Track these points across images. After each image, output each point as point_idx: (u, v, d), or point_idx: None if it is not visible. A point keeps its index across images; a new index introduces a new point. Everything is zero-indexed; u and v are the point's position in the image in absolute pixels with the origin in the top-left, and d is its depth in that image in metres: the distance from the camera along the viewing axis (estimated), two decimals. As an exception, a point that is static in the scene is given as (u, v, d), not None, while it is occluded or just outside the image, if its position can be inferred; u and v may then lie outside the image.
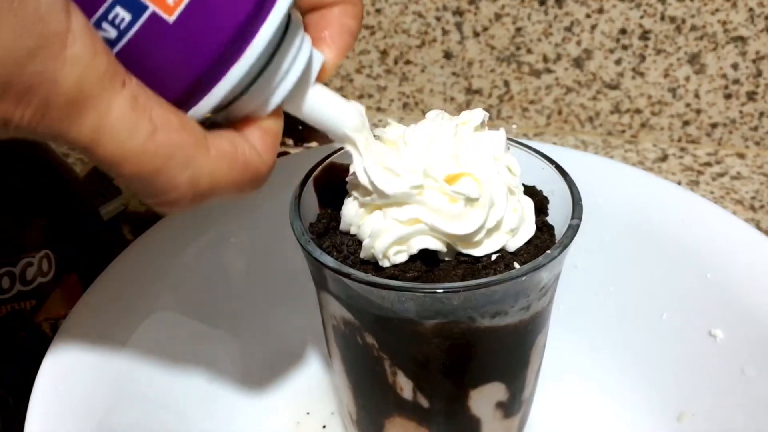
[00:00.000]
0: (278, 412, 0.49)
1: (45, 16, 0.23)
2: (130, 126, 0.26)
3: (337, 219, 0.38)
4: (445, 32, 0.77)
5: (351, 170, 0.36)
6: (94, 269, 0.48)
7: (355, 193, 0.36)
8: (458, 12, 0.75)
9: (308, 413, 0.49)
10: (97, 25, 0.26)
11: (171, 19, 0.26)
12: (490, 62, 0.78)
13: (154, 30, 0.26)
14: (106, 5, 0.26)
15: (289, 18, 0.30)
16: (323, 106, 0.33)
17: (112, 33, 0.26)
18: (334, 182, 0.40)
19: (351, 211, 0.36)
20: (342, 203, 0.38)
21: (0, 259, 0.46)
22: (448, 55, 0.78)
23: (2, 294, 0.47)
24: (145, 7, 0.26)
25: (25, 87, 0.23)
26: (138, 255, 0.48)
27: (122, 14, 0.26)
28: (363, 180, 0.34)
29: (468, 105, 0.81)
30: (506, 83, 0.79)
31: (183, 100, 0.28)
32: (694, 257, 0.47)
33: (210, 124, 0.30)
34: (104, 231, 0.60)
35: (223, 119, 0.31)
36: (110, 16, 0.26)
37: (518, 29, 0.75)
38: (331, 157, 0.41)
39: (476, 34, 0.76)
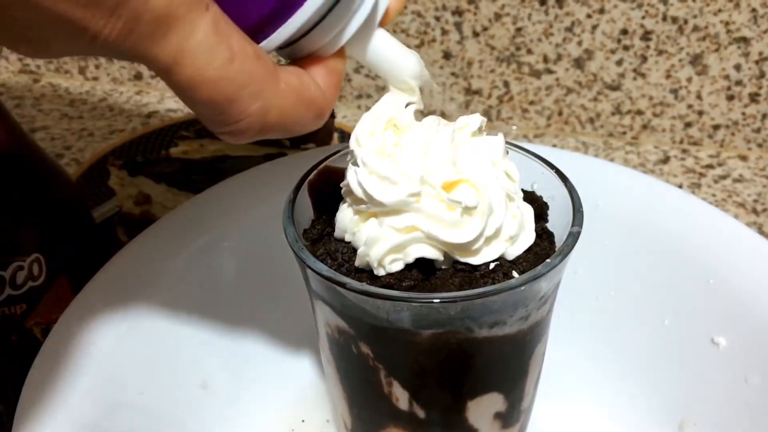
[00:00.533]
0: (272, 419, 0.48)
1: None
2: (211, 50, 0.26)
3: (332, 225, 0.37)
4: (444, 32, 0.76)
5: (346, 174, 0.36)
6: (86, 272, 0.48)
7: (349, 200, 0.35)
8: (458, 12, 0.75)
9: (303, 421, 0.49)
10: None
11: None
12: (490, 62, 0.77)
13: None
14: None
15: None
16: (385, 50, 0.34)
17: None
18: (329, 186, 0.39)
19: (346, 218, 0.35)
20: (337, 208, 0.37)
21: (-11, 262, 0.46)
22: (447, 55, 0.77)
23: (-8, 298, 0.46)
24: None
25: (117, 1, 0.24)
26: (130, 258, 0.48)
27: None
28: (357, 192, 0.34)
29: (467, 106, 0.80)
30: (506, 84, 0.78)
31: (256, 31, 0.28)
32: (696, 262, 0.47)
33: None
34: (97, 233, 0.59)
35: (287, 56, 0.31)
36: None
37: (518, 29, 0.74)
38: (327, 161, 0.41)
39: (476, 34, 0.76)
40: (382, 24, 0.33)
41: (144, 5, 0.24)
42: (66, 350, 0.42)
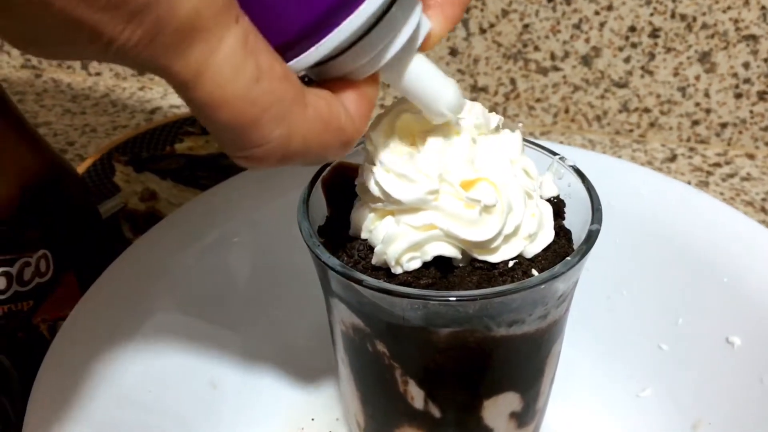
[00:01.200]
0: (282, 417, 0.48)
1: None
2: (236, 67, 0.24)
3: (347, 222, 0.37)
4: (451, 28, 0.76)
5: (360, 171, 0.35)
6: (92, 269, 0.47)
7: (364, 198, 0.35)
8: (465, 8, 0.74)
9: (313, 419, 0.48)
10: None
11: None
12: (497, 59, 0.77)
13: None
14: None
15: None
16: (423, 78, 0.31)
17: None
18: (343, 183, 0.38)
19: (361, 216, 0.35)
20: (352, 205, 0.37)
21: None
22: (453, 52, 0.77)
23: (-1, 295, 0.46)
24: None
25: (139, 6, 0.21)
26: (138, 255, 0.47)
27: None
28: (374, 190, 0.33)
29: (473, 103, 0.80)
30: (512, 81, 0.78)
31: (287, 48, 0.26)
32: (711, 261, 0.46)
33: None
34: (103, 230, 0.58)
35: (316, 76, 0.29)
36: None
37: (525, 26, 0.74)
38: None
39: (483, 31, 0.75)
40: (422, 49, 0.30)
41: (169, 13, 0.22)
42: (75, 348, 0.41)
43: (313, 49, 0.26)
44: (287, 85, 0.25)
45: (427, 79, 0.31)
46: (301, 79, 0.26)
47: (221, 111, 0.24)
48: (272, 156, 0.26)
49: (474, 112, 0.34)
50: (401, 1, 0.28)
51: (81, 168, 0.72)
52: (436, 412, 0.37)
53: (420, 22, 0.29)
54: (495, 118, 0.35)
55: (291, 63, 0.26)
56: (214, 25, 0.23)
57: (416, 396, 0.37)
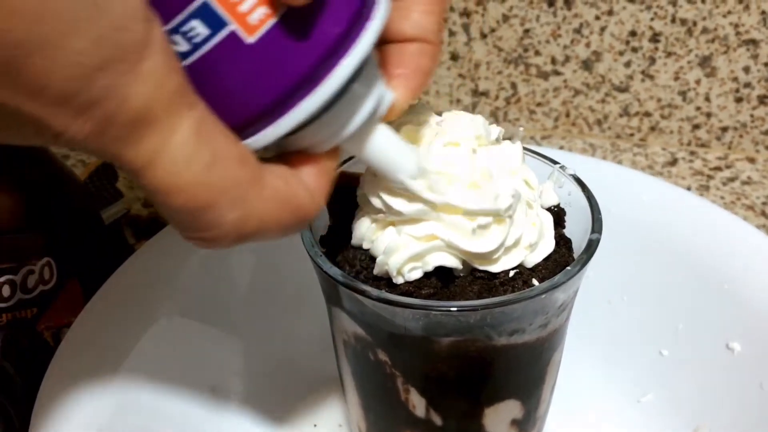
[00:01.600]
0: (284, 424, 0.48)
1: (126, 25, 0.21)
2: (190, 155, 0.23)
3: (349, 231, 0.37)
4: (451, 33, 0.76)
5: (361, 181, 0.35)
6: (96, 275, 0.47)
7: (366, 208, 0.35)
8: (465, 13, 0.74)
9: (315, 425, 0.48)
10: (169, 35, 0.23)
11: (250, 40, 0.23)
12: (498, 64, 0.77)
13: (229, 49, 0.24)
14: (183, 16, 0.23)
15: None
16: (384, 149, 0.30)
17: (183, 47, 0.23)
18: (345, 192, 0.39)
19: (363, 226, 0.35)
20: (354, 214, 0.37)
21: (1, 266, 0.45)
22: (454, 57, 0.77)
23: (3, 302, 0.46)
24: (225, 24, 0.23)
25: (89, 101, 0.21)
26: (142, 263, 0.47)
27: (199, 28, 0.23)
28: (375, 202, 0.33)
29: (474, 107, 0.80)
30: (513, 85, 0.78)
31: (243, 128, 0.25)
32: (711, 267, 0.47)
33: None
34: (106, 236, 0.59)
35: (275, 150, 0.28)
36: (185, 28, 0.23)
37: (526, 31, 0.74)
38: (343, 166, 0.40)
39: (483, 36, 0.75)
40: (385, 119, 0.30)
41: (119, 107, 0.21)
42: (79, 355, 0.42)
43: (270, 128, 0.25)
44: (243, 167, 0.25)
45: (388, 150, 0.31)
46: (258, 152, 0.26)
47: (174, 197, 0.23)
48: (226, 238, 0.25)
49: (475, 124, 0.34)
50: (363, 77, 0.27)
51: (83, 174, 0.72)
52: (437, 420, 0.37)
53: (382, 95, 0.29)
54: (495, 130, 0.35)
55: (248, 141, 0.25)
56: (166, 116, 0.22)
57: (418, 404, 0.37)
